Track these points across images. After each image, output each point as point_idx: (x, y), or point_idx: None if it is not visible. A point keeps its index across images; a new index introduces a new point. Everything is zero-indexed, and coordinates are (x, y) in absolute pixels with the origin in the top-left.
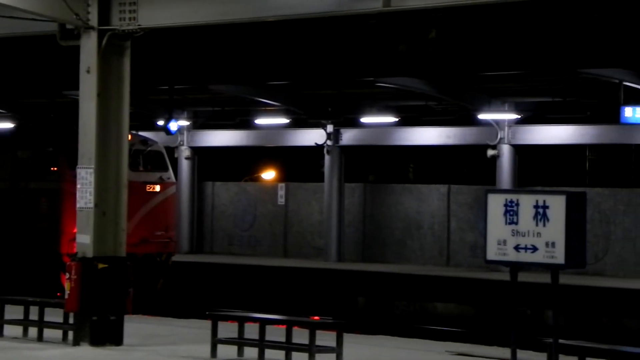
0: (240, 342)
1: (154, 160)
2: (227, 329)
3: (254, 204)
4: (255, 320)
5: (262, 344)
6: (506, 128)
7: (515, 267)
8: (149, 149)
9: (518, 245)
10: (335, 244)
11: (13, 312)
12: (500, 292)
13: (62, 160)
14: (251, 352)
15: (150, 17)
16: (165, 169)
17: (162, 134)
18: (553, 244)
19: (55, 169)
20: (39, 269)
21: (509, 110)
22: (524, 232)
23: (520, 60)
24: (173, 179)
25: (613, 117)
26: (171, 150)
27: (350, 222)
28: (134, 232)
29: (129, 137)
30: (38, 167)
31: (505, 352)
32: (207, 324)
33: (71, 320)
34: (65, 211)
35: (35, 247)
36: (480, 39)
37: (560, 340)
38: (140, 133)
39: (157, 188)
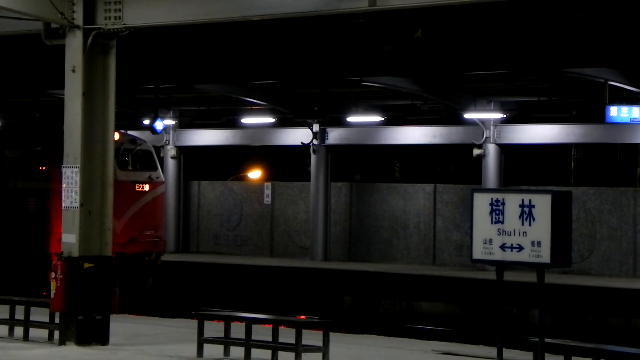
0: (227, 341)
1: (143, 159)
2: (214, 329)
3: (240, 203)
4: (241, 319)
5: (248, 343)
6: (492, 127)
7: (501, 266)
8: (138, 148)
9: (504, 244)
10: (322, 243)
11: None
12: (486, 291)
13: (51, 160)
14: (237, 351)
15: (136, 16)
16: (154, 168)
17: (148, 133)
18: (539, 243)
19: (44, 168)
20: (28, 269)
21: (495, 110)
22: (510, 231)
23: (506, 60)
24: (162, 178)
25: (598, 117)
26: (157, 150)
27: (336, 222)
28: (123, 231)
29: (118, 136)
30: (26, 167)
31: (491, 351)
32: (193, 323)
33: (57, 320)
34: (53, 211)
35: (24, 246)
36: (465, 38)
37: (546, 339)
38: (129, 132)
39: (146, 187)
